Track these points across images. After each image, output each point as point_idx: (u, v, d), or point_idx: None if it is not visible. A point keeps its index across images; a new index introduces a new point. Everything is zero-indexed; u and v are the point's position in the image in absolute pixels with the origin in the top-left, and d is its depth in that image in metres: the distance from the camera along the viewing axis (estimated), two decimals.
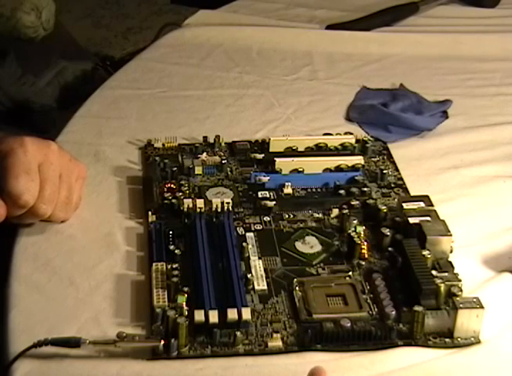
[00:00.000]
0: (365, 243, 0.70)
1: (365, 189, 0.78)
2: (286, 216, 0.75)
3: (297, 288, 0.66)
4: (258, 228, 0.73)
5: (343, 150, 0.84)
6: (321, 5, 1.21)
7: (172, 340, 0.60)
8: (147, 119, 0.92)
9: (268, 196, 0.77)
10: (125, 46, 2.22)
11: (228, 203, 0.73)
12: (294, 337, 0.62)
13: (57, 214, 0.72)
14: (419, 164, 0.84)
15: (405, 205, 0.72)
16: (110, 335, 0.60)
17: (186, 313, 0.62)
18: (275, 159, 0.80)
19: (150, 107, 0.95)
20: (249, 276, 0.66)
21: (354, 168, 0.81)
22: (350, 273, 0.68)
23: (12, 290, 0.67)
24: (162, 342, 0.60)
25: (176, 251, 0.68)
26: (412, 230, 0.69)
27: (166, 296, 0.64)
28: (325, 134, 0.87)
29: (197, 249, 0.68)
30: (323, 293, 0.65)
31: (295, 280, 0.67)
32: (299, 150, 0.84)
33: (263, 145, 0.85)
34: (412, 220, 0.70)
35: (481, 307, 0.61)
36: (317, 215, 0.75)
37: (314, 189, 0.79)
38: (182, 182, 0.78)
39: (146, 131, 0.89)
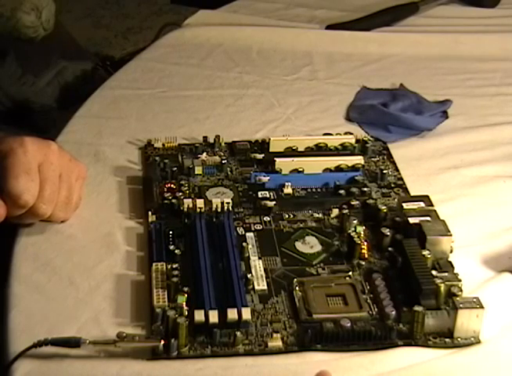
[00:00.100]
0: (365, 243, 0.70)
1: (365, 189, 0.78)
2: (286, 216, 0.75)
3: (297, 288, 0.66)
4: (258, 228, 0.73)
5: (343, 150, 0.84)
6: (321, 5, 1.21)
7: (172, 340, 0.60)
8: (147, 119, 0.92)
9: (268, 196, 0.77)
10: (125, 46, 2.22)
11: (228, 203, 0.73)
12: (294, 337, 0.62)
13: (57, 214, 0.72)
14: (419, 164, 0.84)
15: (405, 205, 0.72)
16: (110, 335, 0.60)
17: (186, 313, 0.62)
18: (275, 159, 0.80)
19: (150, 107, 0.95)
20: (249, 276, 0.66)
21: (354, 168, 0.81)
22: (350, 273, 0.68)
23: (12, 290, 0.67)
24: (162, 342, 0.60)
25: (176, 251, 0.68)
26: (412, 230, 0.69)
27: (166, 296, 0.64)
28: (325, 134, 0.87)
29: (197, 249, 0.68)
30: (323, 293, 0.65)
31: (295, 280, 0.67)
32: (299, 150, 0.84)
33: (263, 145, 0.85)
34: (412, 220, 0.70)
35: (481, 307, 0.61)
36: (317, 215, 0.75)
37: (314, 189, 0.79)
38: (182, 182, 0.78)
39: (146, 131, 0.89)
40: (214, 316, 0.61)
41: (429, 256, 0.66)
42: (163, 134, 0.86)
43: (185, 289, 0.65)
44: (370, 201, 0.75)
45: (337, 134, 0.87)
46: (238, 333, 0.61)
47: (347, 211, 0.74)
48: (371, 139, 0.87)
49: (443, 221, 0.70)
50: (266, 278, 0.67)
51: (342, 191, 0.77)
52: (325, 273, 0.68)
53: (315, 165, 0.80)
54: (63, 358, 0.60)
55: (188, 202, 0.73)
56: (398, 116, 0.90)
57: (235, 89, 0.99)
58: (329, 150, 0.84)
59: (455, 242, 0.68)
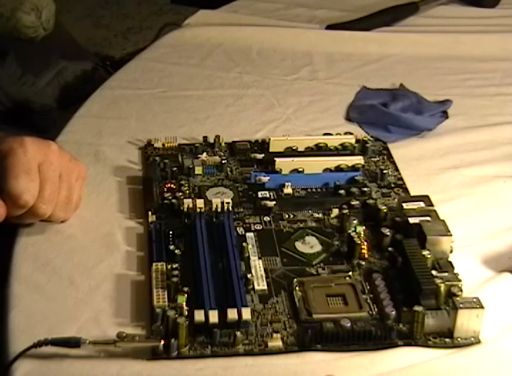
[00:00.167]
0: (365, 243, 0.70)
1: (365, 189, 0.78)
2: (286, 216, 0.75)
3: (297, 288, 0.66)
4: (258, 228, 0.73)
5: (343, 150, 0.84)
6: (321, 5, 1.21)
7: (172, 340, 0.60)
8: (147, 119, 0.92)
9: (268, 196, 0.77)
10: (125, 46, 2.22)
11: (228, 203, 0.73)
12: (294, 337, 0.62)
13: (57, 214, 0.72)
14: (419, 164, 0.84)
15: (405, 205, 0.72)
16: (110, 335, 0.60)
17: (186, 313, 0.62)
18: (275, 159, 0.80)
19: (150, 107, 0.95)
20: (249, 276, 0.66)
21: (354, 168, 0.81)
22: (350, 273, 0.68)
23: (12, 290, 0.67)
24: (162, 342, 0.60)
25: (176, 251, 0.68)
26: (412, 230, 0.69)
27: (166, 296, 0.64)
28: (325, 134, 0.87)
29: (197, 249, 0.68)
30: (323, 293, 0.65)
31: (295, 280, 0.67)
32: (299, 150, 0.84)
33: (263, 145, 0.85)
34: (412, 220, 0.70)
35: (481, 307, 0.61)
36: (317, 215, 0.75)
37: (314, 189, 0.79)
38: (182, 182, 0.78)
39: (146, 131, 0.89)
40: (214, 316, 0.61)
41: (429, 256, 0.66)
42: (163, 134, 0.86)
43: (185, 289, 0.65)
44: (370, 201, 0.75)
45: (337, 134, 0.87)
46: (238, 333, 0.61)
47: (347, 211, 0.74)
48: (371, 139, 0.87)
49: (443, 221, 0.70)
50: (266, 278, 0.67)
51: (342, 191, 0.77)
52: (325, 273, 0.68)
53: (315, 165, 0.80)
54: (63, 358, 0.60)
55: (188, 202, 0.73)
56: (398, 116, 0.90)
57: (235, 89, 0.99)
58: (329, 149, 0.84)
59: (455, 242, 0.68)
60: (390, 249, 0.69)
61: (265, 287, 0.66)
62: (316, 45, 1.09)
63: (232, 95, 0.97)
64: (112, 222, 0.75)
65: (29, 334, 0.61)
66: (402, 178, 0.81)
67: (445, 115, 0.93)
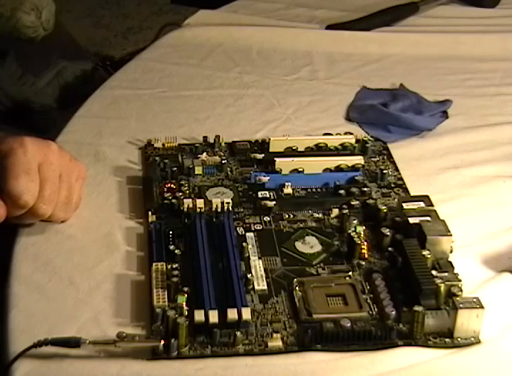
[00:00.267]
0: (365, 243, 0.70)
1: (365, 189, 0.78)
2: (286, 216, 0.75)
3: (297, 288, 0.66)
4: (258, 228, 0.73)
5: (343, 150, 0.84)
6: (321, 5, 1.21)
7: (172, 340, 0.60)
8: (147, 119, 0.92)
9: (268, 196, 0.77)
10: (125, 46, 2.22)
11: (228, 203, 0.73)
12: (294, 337, 0.62)
13: (57, 214, 0.72)
14: (419, 164, 0.84)
15: (405, 205, 0.72)
16: (110, 335, 0.60)
17: (186, 313, 0.62)
18: (275, 159, 0.80)
19: (150, 107, 0.95)
20: (249, 276, 0.66)
21: (354, 168, 0.81)
22: (350, 273, 0.68)
23: (12, 290, 0.67)
24: (162, 342, 0.60)
25: (176, 251, 0.68)
26: (412, 230, 0.69)
27: (166, 296, 0.64)
28: (325, 134, 0.87)
29: (197, 249, 0.68)
30: (323, 293, 0.65)
31: (295, 280, 0.67)
32: (299, 150, 0.84)
33: (263, 145, 0.85)
34: (412, 220, 0.70)
35: (481, 307, 0.61)
36: (317, 215, 0.75)
37: (314, 189, 0.79)
38: (182, 182, 0.78)
39: (146, 131, 0.89)
40: (214, 316, 0.61)
41: (429, 256, 0.66)
42: (163, 134, 0.86)
43: (185, 289, 0.65)
44: (370, 201, 0.75)
45: (337, 134, 0.87)
46: (238, 333, 0.61)
47: (347, 211, 0.74)
48: (371, 139, 0.87)
49: (443, 221, 0.70)
50: (266, 278, 0.67)
51: (342, 191, 0.77)
52: (325, 273, 0.68)
53: (315, 165, 0.80)
54: (63, 358, 0.60)
55: (188, 202, 0.73)
56: (398, 116, 0.90)
57: (235, 89, 0.99)
58: (329, 149, 0.84)
59: (455, 242, 0.68)
60: (390, 249, 0.69)
61: (265, 287, 0.66)
62: (316, 45, 1.09)
63: (232, 95, 0.97)
64: (112, 222, 0.75)
65: (29, 334, 0.61)
66: (402, 178, 0.81)
67: (445, 115, 0.93)
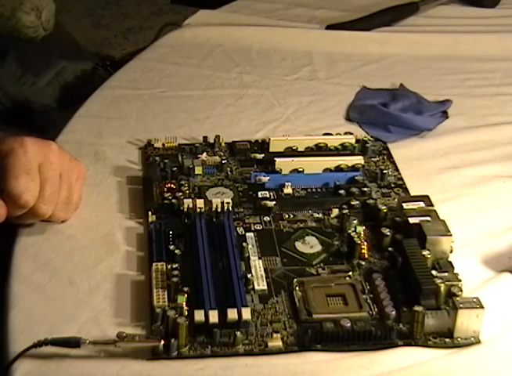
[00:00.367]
0: (365, 243, 0.70)
1: (365, 189, 0.78)
2: (286, 216, 0.75)
3: (297, 288, 0.66)
4: (258, 228, 0.73)
5: (343, 150, 0.84)
6: (321, 5, 1.21)
7: (172, 340, 0.60)
8: (147, 119, 0.92)
9: (268, 196, 0.77)
10: (125, 46, 2.22)
11: (228, 203, 0.73)
12: (294, 337, 0.62)
13: (57, 214, 0.72)
14: (419, 164, 0.84)
15: (405, 205, 0.72)
16: (110, 335, 0.60)
17: (186, 313, 0.62)
18: (275, 159, 0.80)
19: (150, 107, 0.95)
20: (249, 276, 0.66)
21: (354, 168, 0.81)
22: (350, 273, 0.68)
23: (12, 290, 0.67)
24: (162, 342, 0.60)
25: (176, 251, 0.68)
26: (412, 230, 0.69)
27: (166, 296, 0.64)
28: (325, 134, 0.87)
29: (197, 249, 0.68)
30: (323, 293, 0.65)
31: (295, 280, 0.67)
32: (299, 150, 0.84)
33: (263, 145, 0.85)
34: (412, 220, 0.70)
35: (481, 307, 0.61)
36: (317, 215, 0.75)
37: (314, 189, 0.79)
38: (182, 182, 0.78)
39: (146, 131, 0.89)
40: (214, 316, 0.61)
41: (429, 256, 0.66)
42: (163, 134, 0.86)
43: (185, 289, 0.65)
44: (370, 201, 0.75)
45: (337, 134, 0.87)
46: (238, 333, 0.61)
47: (347, 211, 0.74)
48: (371, 139, 0.87)
49: (443, 221, 0.70)
50: (266, 278, 0.67)
51: (342, 191, 0.77)
52: (325, 273, 0.68)
53: (315, 165, 0.80)
54: (63, 358, 0.60)
55: (188, 202, 0.73)
56: (398, 116, 0.90)
57: (235, 89, 0.99)
58: (329, 150, 0.84)
59: (455, 242, 0.68)
60: (390, 249, 0.69)
61: (265, 287, 0.66)
62: (316, 45, 1.09)
63: (232, 95, 0.97)
64: (112, 222, 0.75)
65: (29, 334, 0.61)
66: (402, 178, 0.81)
67: (445, 115, 0.93)
